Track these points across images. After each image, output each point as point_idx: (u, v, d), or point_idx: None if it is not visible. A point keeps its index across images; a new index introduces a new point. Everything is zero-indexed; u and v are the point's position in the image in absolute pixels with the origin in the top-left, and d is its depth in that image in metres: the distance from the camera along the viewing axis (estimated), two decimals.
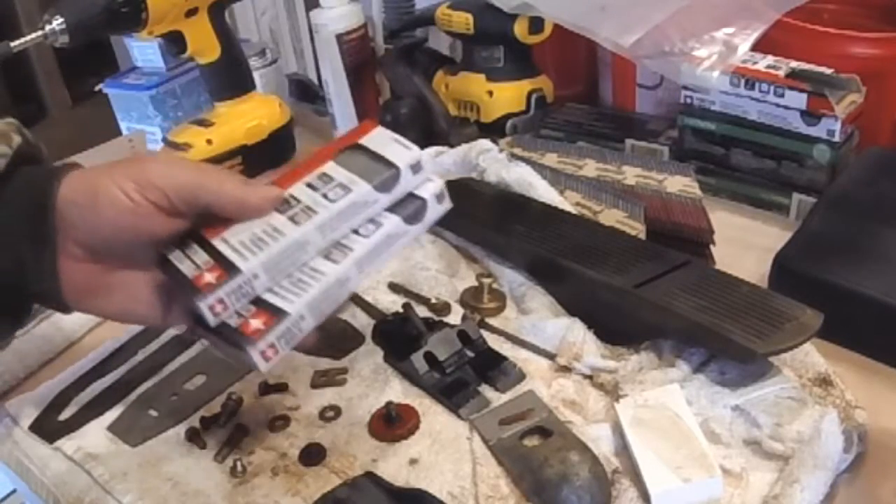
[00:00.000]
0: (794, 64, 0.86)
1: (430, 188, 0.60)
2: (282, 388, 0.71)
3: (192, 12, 0.97)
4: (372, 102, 1.11)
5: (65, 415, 0.71)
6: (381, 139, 0.61)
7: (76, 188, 0.55)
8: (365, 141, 0.61)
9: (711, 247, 0.81)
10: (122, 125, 1.21)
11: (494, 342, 0.72)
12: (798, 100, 0.84)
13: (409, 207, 0.59)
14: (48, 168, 0.59)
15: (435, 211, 0.60)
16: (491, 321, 0.75)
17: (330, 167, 0.59)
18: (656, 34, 0.88)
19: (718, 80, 0.87)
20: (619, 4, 0.92)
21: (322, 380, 0.71)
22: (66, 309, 0.59)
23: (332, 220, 0.57)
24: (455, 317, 0.76)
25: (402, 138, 0.61)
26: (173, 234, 0.56)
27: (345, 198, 0.57)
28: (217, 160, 1.05)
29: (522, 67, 1.06)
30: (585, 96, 1.13)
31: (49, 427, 0.70)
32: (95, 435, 0.68)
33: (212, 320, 0.54)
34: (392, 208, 0.59)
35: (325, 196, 0.58)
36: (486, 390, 0.68)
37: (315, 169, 0.60)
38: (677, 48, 0.89)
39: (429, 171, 0.60)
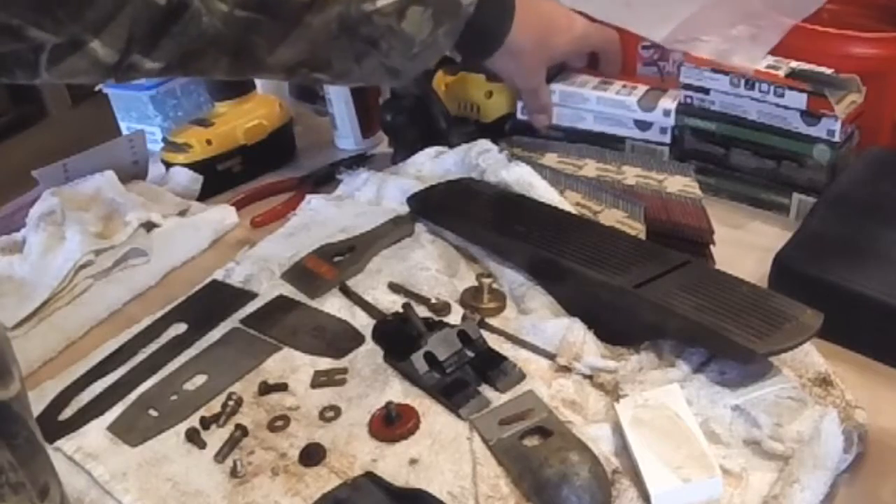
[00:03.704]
0: (794, 64, 0.86)
1: None
2: (282, 388, 0.71)
3: None
4: (372, 102, 1.11)
5: (65, 415, 0.71)
6: None
7: None
8: None
9: (711, 247, 0.81)
10: (122, 125, 1.20)
11: (494, 342, 0.72)
12: (798, 100, 0.84)
13: None
14: None
15: None
16: (491, 321, 0.75)
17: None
18: (679, 31, 0.88)
19: (720, 80, 0.87)
20: (644, 2, 0.92)
21: (322, 380, 0.71)
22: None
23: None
24: (455, 317, 0.76)
25: None
26: None
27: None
28: (217, 160, 1.05)
29: None
30: None
31: (49, 427, 0.69)
32: (95, 435, 0.68)
33: None
34: None
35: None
36: (486, 390, 0.68)
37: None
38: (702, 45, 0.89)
39: None
